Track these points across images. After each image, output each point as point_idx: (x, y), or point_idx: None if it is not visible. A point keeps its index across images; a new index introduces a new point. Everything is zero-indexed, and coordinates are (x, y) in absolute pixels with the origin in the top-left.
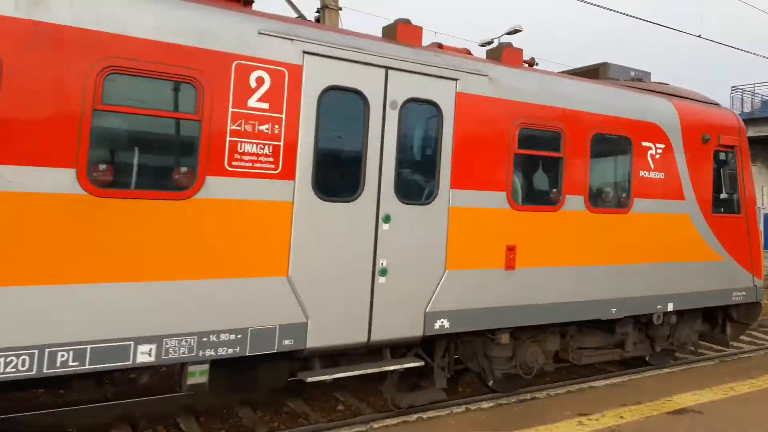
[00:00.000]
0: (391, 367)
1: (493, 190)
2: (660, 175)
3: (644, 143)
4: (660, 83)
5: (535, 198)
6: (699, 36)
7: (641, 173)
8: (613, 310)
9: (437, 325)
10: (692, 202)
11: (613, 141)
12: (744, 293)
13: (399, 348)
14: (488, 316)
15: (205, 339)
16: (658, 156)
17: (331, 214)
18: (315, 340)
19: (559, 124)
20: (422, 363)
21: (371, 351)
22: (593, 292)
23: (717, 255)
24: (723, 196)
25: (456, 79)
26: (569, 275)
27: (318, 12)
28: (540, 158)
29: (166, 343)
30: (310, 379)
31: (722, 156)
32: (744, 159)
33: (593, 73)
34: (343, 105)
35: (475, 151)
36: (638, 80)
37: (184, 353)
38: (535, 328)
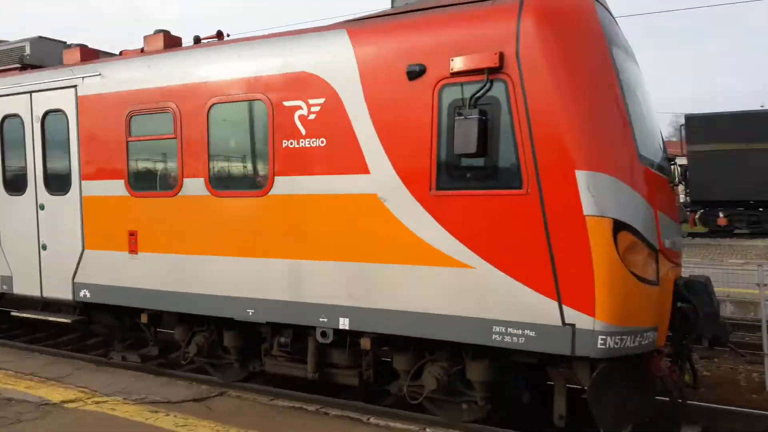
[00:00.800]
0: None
1: (114, 179)
2: (320, 142)
3: (287, 103)
4: None
5: (152, 184)
6: None
7: (284, 143)
8: (250, 311)
9: (82, 294)
10: (387, 176)
11: (241, 109)
12: (533, 333)
13: (66, 307)
14: (120, 294)
15: None
16: (313, 117)
17: (13, 204)
18: (18, 288)
19: (168, 103)
20: (68, 321)
21: (46, 306)
22: (224, 286)
23: (449, 259)
24: (475, 161)
25: (75, 86)
26: (197, 264)
27: None
28: (155, 143)
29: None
30: (14, 314)
31: (467, 92)
32: (550, 86)
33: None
34: (12, 126)
35: (97, 145)
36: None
37: None
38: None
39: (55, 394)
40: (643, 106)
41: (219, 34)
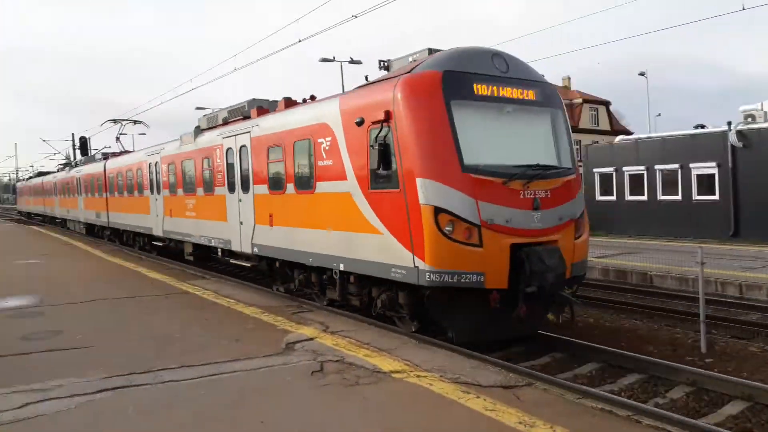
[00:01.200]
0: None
1: (263, 184)
2: (329, 162)
3: (319, 140)
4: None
5: (277, 188)
6: None
7: (319, 163)
8: (311, 259)
9: (255, 250)
10: (353, 181)
11: (303, 144)
12: (404, 272)
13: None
14: (267, 250)
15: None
16: (327, 147)
17: (229, 199)
18: (233, 246)
19: (279, 141)
20: (248, 265)
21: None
22: (302, 245)
23: (375, 229)
24: (381, 172)
25: (249, 131)
26: (294, 233)
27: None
28: (277, 164)
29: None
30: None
31: (375, 133)
32: (405, 129)
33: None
34: (230, 154)
35: (258, 165)
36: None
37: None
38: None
39: (385, 363)
40: (496, 135)
41: (288, 102)
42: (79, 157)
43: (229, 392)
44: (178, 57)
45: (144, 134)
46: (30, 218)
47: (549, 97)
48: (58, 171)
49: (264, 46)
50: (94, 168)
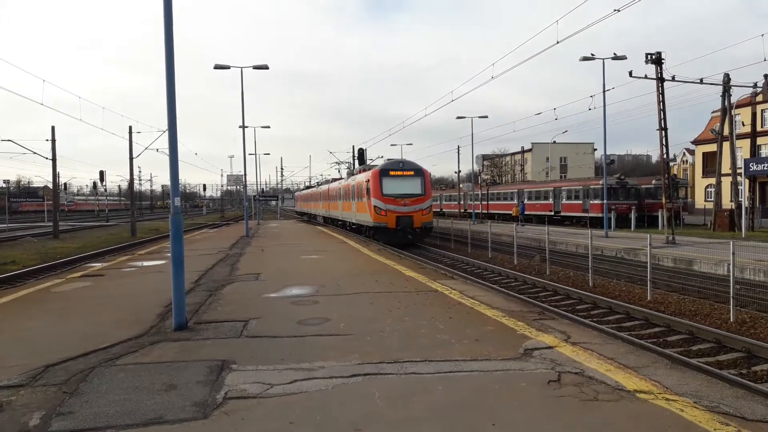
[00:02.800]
0: None
1: (353, 199)
2: (364, 191)
3: (365, 184)
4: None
5: (360, 197)
6: None
7: (363, 192)
8: (361, 222)
9: (353, 221)
10: (373, 196)
11: (360, 185)
12: (370, 222)
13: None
14: (356, 222)
15: None
16: (363, 186)
17: (355, 203)
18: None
19: (344, 184)
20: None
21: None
22: (352, 219)
23: (365, 211)
24: (365, 195)
25: (353, 179)
26: (358, 215)
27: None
28: (357, 192)
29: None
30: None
31: (367, 184)
32: (372, 183)
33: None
34: (359, 185)
35: (359, 191)
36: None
37: None
38: None
39: (629, 381)
40: (395, 184)
41: (363, 168)
42: (356, 165)
43: (465, 391)
44: (442, 72)
45: (411, 144)
46: (300, 216)
47: (418, 171)
48: (317, 185)
49: (523, 51)
50: (328, 185)
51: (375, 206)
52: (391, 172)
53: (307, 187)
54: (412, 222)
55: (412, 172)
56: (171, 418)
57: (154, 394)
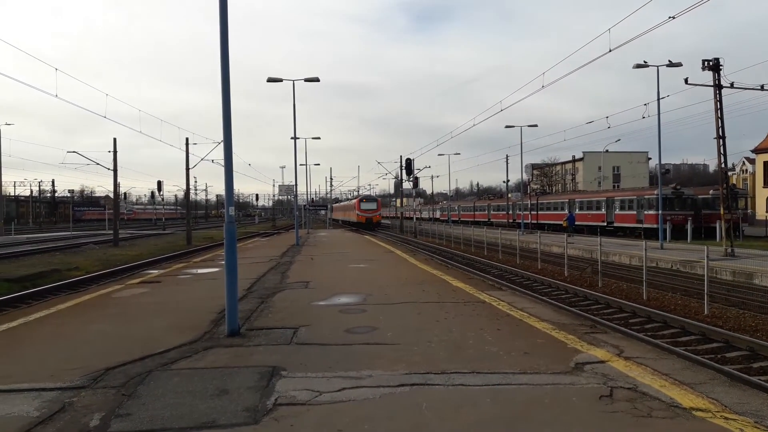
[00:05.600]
0: None
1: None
2: (352, 207)
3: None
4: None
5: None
6: None
7: (362, 206)
8: (349, 221)
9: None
10: (355, 212)
11: (370, 205)
12: (355, 222)
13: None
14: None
15: None
16: (351, 206)
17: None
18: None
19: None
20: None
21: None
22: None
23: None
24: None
25: (352, 203)
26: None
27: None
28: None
29: None
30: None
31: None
32: (355, 205)
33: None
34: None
35: (350, 207)
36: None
37: None
38: None
39: (685, 399)
40: (366, 205)
41: (359, 198)
42: (403, 175)
43: (513, 404)
44: (490, 81)
45: (459, 153)
46: (336, 222)
47: (375, 200)
48: (341, 201)
49: (575, 59)
50: (343, 203)
51: (358, 214)
52: (364, 200)
53: (336, 202)
54: (372, 220)
55: (373, 202)
56: (223, 423)
57: (207, 398)
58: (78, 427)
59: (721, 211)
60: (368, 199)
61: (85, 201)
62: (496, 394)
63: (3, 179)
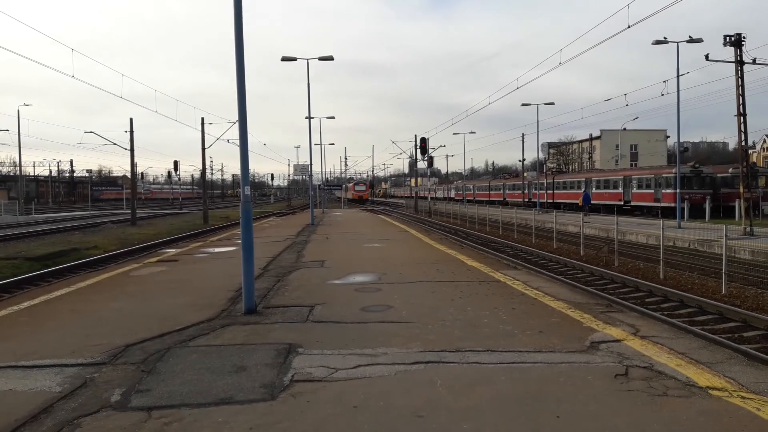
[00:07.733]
0: None
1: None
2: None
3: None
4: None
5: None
6: None
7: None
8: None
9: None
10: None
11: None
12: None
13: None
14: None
15: None
16: (351, 189)
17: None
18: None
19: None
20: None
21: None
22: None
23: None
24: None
25: (348, 184)
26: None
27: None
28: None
29: None
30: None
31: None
32: (351, 190)
33: None
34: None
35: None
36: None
37: None
38: None
39: (701, 378)
40: (358, 187)
41: (352, 180)
42: (418, 154)
43: (528, 382)
44: (506, 59)
45: (474, 132)
46: (351, 201)
47: (365, 182)
48: (348, 183)
49: (591, 36)
50: (345, 185)
51: (353, 193)
52: (357, 184)
53: (349, 182)
54: (362, 197)
55: (362, 185)
56: (241, 399)
57: (225, 375)
58: (99, 402)
59: (741, 190)
60: (360, 182)
61: (103, 181)
62: (511, 372)
63: (22, 159)
